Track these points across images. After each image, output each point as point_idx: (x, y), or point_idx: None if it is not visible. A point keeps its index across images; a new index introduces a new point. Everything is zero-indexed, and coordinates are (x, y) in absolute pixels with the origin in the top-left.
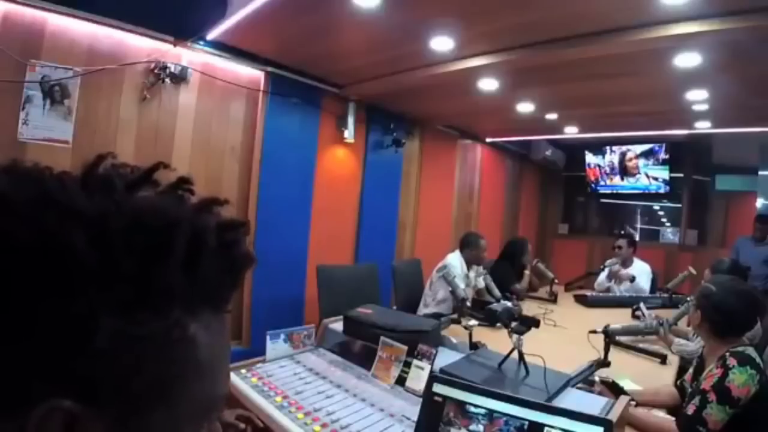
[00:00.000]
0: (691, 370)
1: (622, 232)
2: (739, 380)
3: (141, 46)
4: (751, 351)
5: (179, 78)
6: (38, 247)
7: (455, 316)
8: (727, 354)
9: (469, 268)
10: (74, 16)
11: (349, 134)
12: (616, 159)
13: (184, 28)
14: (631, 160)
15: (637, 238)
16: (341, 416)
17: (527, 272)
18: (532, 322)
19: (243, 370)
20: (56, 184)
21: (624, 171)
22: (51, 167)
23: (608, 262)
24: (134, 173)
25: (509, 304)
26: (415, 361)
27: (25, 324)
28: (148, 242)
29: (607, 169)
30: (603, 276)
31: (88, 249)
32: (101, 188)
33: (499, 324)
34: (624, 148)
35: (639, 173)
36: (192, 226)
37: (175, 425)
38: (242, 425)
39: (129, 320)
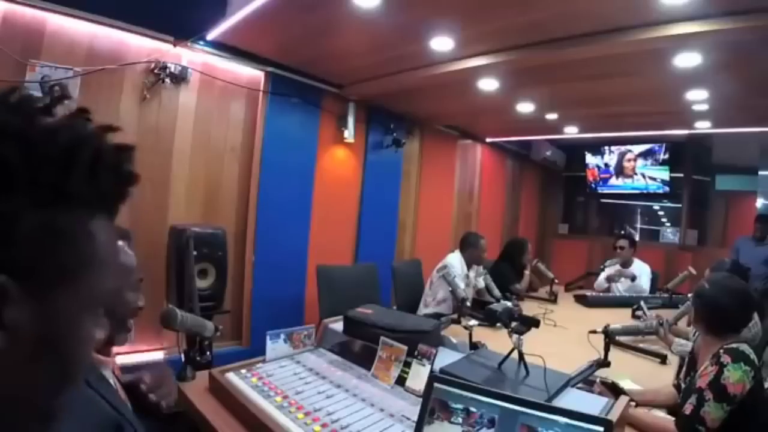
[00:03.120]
0: (684, 366)
1: (623, 232)
2: (734, 377)
3: (141, 46)
4: (745, 347)
5: (179, 78)
6: None
7: (455, 316)
8: (721, 351)
9: (469, 268)
10: (74, 16)
11: (349, 134)
12: (615, 159)
13: (184, 28)
14: (630, 161)
15: (637, 238)
16: (341, 416)
17: (527, 272)
18: (532, 322)
19: (243, 370)
20: None
21: (623, 172)
22: None
23: (608, 262)
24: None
25: (509, 304)
26: (415, 361)
27: None
28: (62, 154)
29: (607, 170)
30: (603, 276)
31: (19, 160)
32: (21, 109)
33: (499, 324)
34: (623, 148)
35: (636, 174)
36: (96, 143)
37: (78, 307)
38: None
39: (45, 216)
